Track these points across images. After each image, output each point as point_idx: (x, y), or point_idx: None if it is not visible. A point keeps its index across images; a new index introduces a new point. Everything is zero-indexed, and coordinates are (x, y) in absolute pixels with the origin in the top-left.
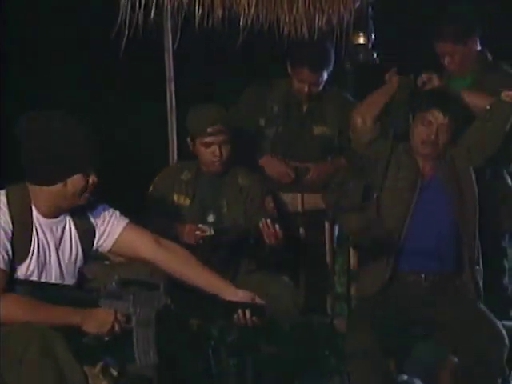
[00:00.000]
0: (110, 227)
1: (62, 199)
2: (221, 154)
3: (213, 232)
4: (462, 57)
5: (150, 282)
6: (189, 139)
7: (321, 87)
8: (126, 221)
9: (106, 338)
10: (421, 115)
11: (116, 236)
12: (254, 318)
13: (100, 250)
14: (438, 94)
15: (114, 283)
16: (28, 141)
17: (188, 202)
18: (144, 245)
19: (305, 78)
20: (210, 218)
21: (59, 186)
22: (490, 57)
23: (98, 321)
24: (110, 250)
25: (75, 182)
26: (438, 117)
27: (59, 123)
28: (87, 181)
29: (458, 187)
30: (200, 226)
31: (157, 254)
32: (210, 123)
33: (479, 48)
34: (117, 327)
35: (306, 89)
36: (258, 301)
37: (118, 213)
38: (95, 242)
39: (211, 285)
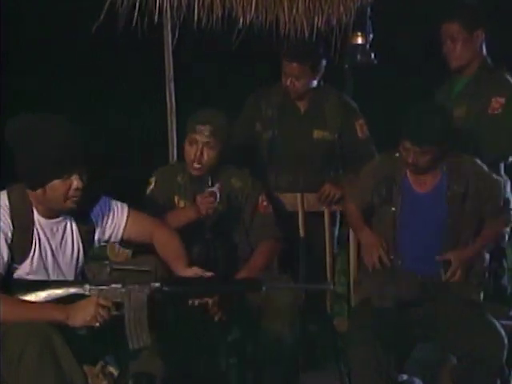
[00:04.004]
0: (116, 220)
1: (48, 203)
2: (201, 155)
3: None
4: (463, 45)
5: (142, 269)
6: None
7: (310, 84)
8: (126, 208)
9: (97, 324)
10: (400, 141)
11: (123, 226)
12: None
13: (112, 240)
14: (407, 126)
15: (105, 271)
16: (15, 145)
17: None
18: (144, 231)
19: (286, 70)
20: (208, 223)
21: (40, 191)
22: (490, 62)
23: (81, 311)
24: (121, 239)
25: (54, 187)
26: (412, 147)
27: (40, 126)
28: (69, 185)
29: (459, 196)
30: (207, 190)
31: (154, 237)
32: (200, 121)
33: (484, 52)
34: (102, 312)
35: (289, 82)
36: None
37: (118, 204)
38: (96, 241)
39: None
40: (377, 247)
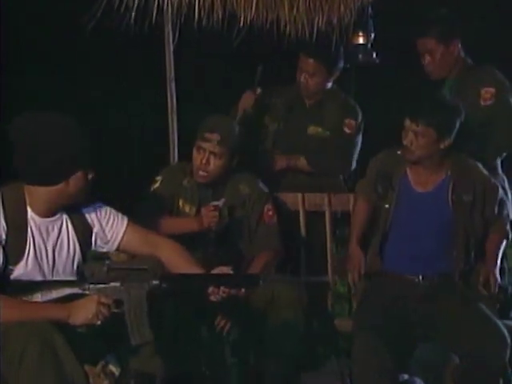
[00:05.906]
0: (114, 229)
1: (64, 198)
2: (207, 163)
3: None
4: (442, 57)
5: (139, 268)
6: None
7: (324, 84)
8: (126, 220)
9: (98, 322)
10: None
11: (120, 237)
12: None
13: (106, 250)
14: (410, 104)
15: (103, 271)
16: (24, 143)
17: (194, 210)
18: (146, 243)
19: (302, 65)
20: (212, 236)
21: (61, 185)
22: (470, 61)
23: (82, 309)
24: (117, 249)
25: (77, 179)
26: (410, 125)
27: (55, 123)
28: (87, 178)
29: (468, 204)
30: (212, 203)
31: (157, 252)
32: (208, 129)
33: (462, 54)
34: (103, 310)
35: (303, 78)
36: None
37: (119, 215)
38: (93, 242)
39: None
40: (357, 264)
